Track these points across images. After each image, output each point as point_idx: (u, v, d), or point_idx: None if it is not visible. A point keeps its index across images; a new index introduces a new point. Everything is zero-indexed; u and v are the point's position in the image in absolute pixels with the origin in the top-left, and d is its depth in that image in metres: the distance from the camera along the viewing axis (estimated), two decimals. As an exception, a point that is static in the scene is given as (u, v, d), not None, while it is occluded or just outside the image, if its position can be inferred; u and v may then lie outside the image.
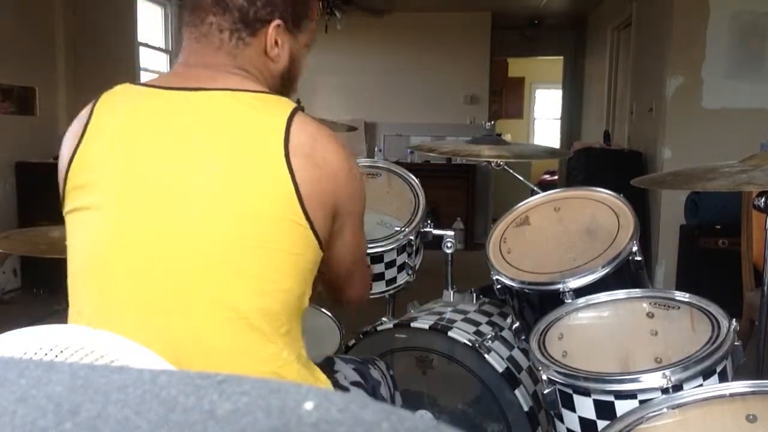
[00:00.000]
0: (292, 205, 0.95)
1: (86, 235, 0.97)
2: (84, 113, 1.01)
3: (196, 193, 0.94)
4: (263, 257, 0.95)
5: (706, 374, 1.13)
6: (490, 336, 1.69)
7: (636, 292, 1.40)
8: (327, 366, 1.25)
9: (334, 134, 1.02)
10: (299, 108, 1.01)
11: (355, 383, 1.26)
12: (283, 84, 1.10)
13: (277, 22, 1.03)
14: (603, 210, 1.63)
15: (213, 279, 0.93)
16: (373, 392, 1.28)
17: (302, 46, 1.10)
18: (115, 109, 1.00)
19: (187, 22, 1.04)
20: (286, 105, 1.00)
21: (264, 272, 0.95)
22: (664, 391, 1.09)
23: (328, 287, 1.21)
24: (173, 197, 0.94)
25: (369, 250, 1.74)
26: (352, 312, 1.36)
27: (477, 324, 1.76)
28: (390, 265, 1.81)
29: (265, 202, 0.95)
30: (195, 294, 0.94)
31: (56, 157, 1.06)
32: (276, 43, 1.04)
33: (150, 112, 0.98)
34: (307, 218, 0.96)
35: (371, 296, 1.82)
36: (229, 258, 0.94)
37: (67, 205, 0.99)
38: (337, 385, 1.22)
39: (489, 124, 2.44)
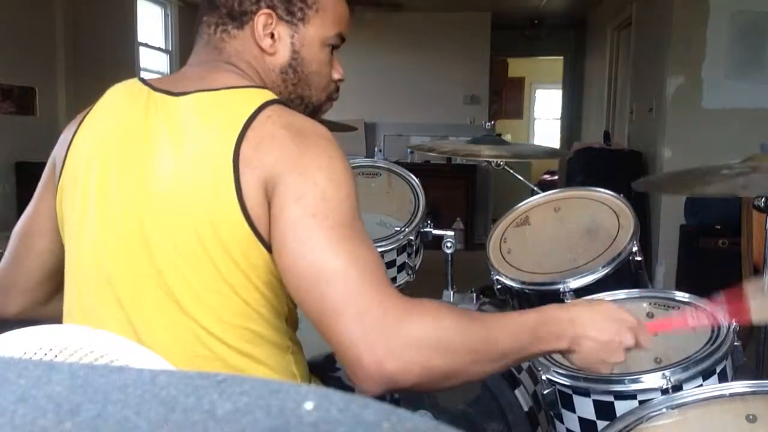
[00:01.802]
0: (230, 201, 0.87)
1: (71, 232, 1.00)
2: (90, 107, 1.03)
3: (148, 198, 0.93)
4: (206, 266, 0.89)
5: (706, 374, 1.13)
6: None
7: (636, 292, 1.40)
8: (329, 363, 1.25)
9: (312, 131, 0.91)
10: (274, 102, 0.93)
11: None
12: (287, 80, 1.03)
13: (264, 11, 0.98)
14: (603, 210, 1.63)
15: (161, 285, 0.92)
16: None
17: (311, 40, 1.02)
18: (110, 105, 1.01)
19: (195, 27, 1.06)
20: (255, 99, 0.92)
21: (208, 282, 0.90)
22: (664, 391, 1.09)
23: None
24: (129, 200, 0.94)
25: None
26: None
27: (477, 324, 1.75)
28: (390, 265, 1.80)
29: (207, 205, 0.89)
30: (146, 297, 0.93)
31: (56, 157, 1.08)
32: (271, 35, 1.00)
33: (131, 113, 0.97)
34: (243, 208, 0.87)
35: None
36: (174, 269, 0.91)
37: (58, 195, 1.04)
38: (340, 382, 1.21)
39: (489, 124, 2.45)
